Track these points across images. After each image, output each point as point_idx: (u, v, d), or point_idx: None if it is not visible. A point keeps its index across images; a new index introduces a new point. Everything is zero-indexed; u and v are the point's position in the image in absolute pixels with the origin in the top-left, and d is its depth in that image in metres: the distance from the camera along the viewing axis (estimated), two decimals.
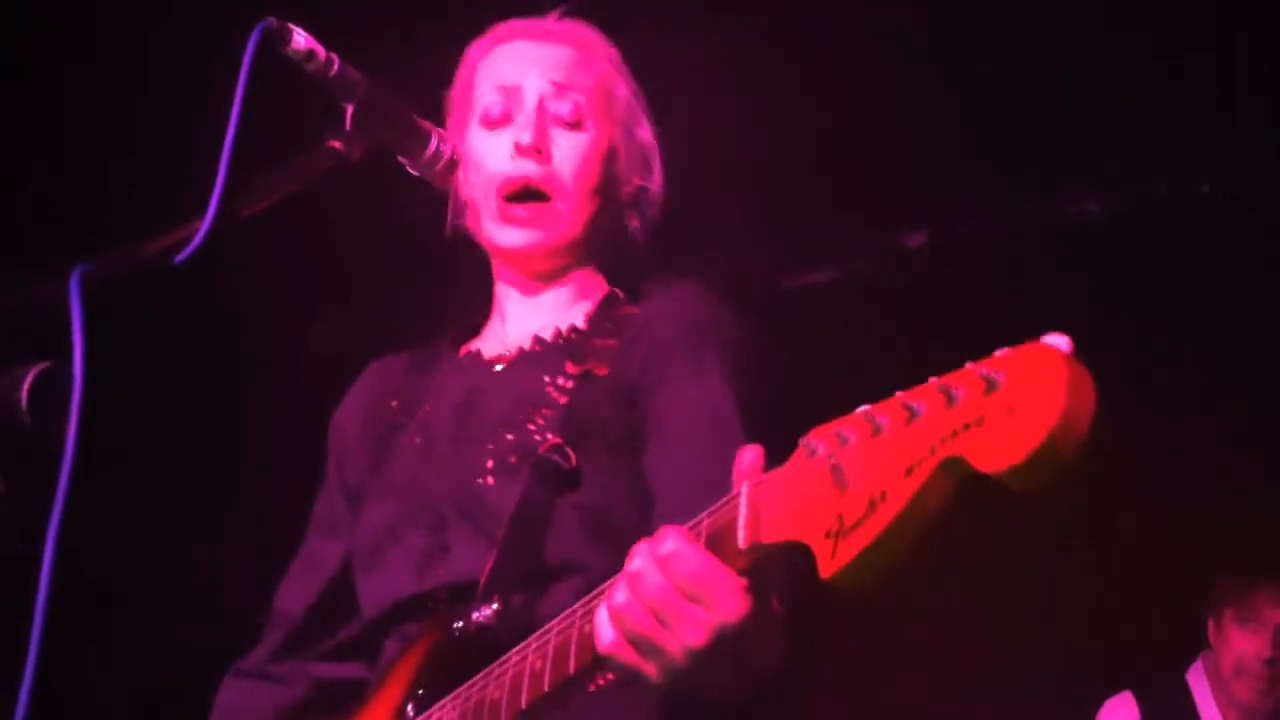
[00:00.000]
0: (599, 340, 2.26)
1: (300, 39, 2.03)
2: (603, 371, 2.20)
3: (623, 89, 2.42)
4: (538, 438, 2.15)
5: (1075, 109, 4.82)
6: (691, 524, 1.63)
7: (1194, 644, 5.01)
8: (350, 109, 2.08)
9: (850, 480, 1.40)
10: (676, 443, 2.12)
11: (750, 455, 1.61)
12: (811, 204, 5.22)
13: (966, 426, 1.30)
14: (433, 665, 2.01)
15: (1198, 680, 4.95)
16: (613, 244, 2.43)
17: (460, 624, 2.01)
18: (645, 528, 2.08)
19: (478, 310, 2.49)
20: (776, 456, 1.94)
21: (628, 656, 1.62)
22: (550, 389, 2.21)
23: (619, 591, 1.62)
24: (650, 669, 1.61)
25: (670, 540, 1.59)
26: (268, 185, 1.94)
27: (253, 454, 4.98)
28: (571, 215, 2.32)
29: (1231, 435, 5.23)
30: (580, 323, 2.33)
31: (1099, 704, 4.98)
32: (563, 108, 2.33)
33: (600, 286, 2.42)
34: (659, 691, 1.69)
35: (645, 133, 2.44)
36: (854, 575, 1.37)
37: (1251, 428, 5.19)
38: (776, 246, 5.54)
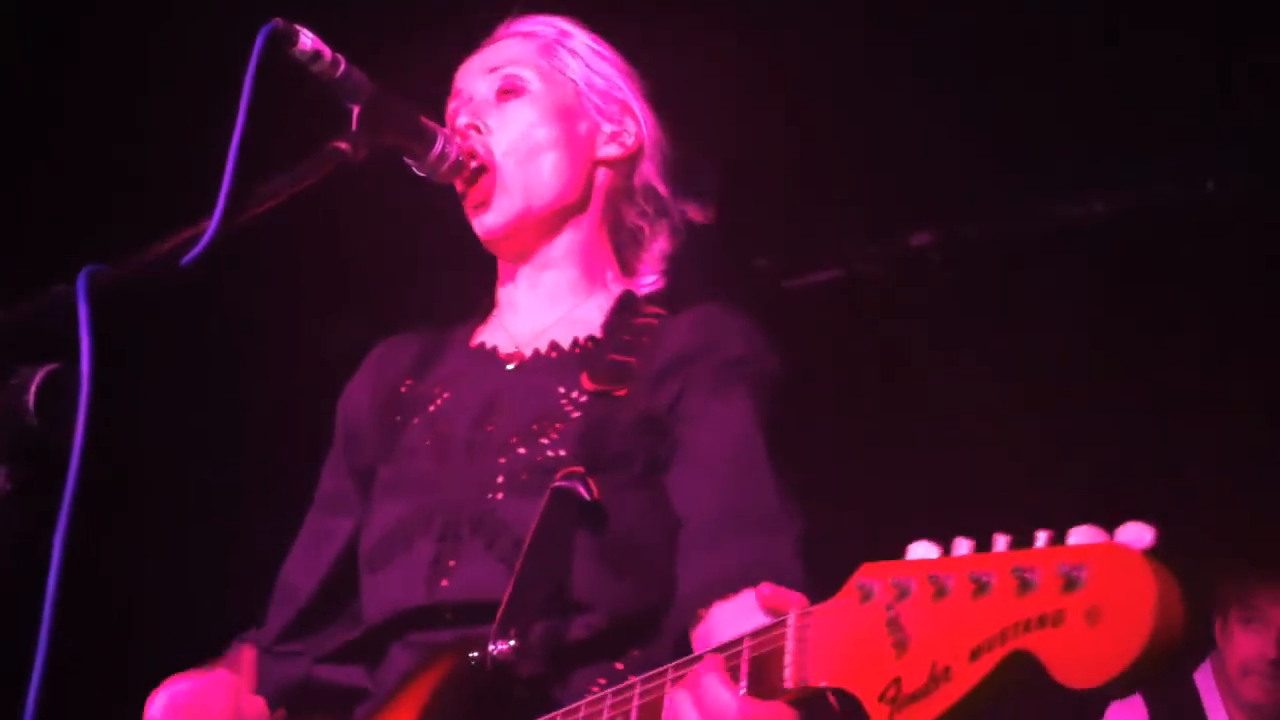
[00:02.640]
0: (616, 355, 2.25)
1: (307, 40, 2.03)
2: (621, 392, 2.19)
3: (571, 47, 2.45)
4: (550, 454, 2.15)
5: (1079, 108, 4.82)
6: (729, 653, 1.64)
7: (1201, 644, 5.00)
8: (356, 110, 2.09)
9: (911, 642, 1.37)
10: (703, 468, 2.13)
11: (769, 590, 1.63)
12: (815, 203, 5.22)
13: (1042, 621, 1.28)
14: (445, 699, 1.97)
15: (1205, 681, 4.93)
16: (615, 207, 2.44)
17: (476, 655, 1.97)
18: (665, 557, 2.11)
19: (486, 297, 2.49)
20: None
21: None
22: (565, 402, 2.21)
23: None
24: None
25: (715, 691, 1.61)
26: (274, 186, 1.94)
27: (261, 457, 4.97)
28: (534, 179, 2.34)
29: (1236, 433, 5.23)
30: (597, 330, 2.32)
31: (1105, 703, 4.96)
32: (495, 84, 2.39)
33: (615, 275, 2.43)
34: None
35: (611, 82, 2.45)
36: None
37: (1256, 426, 5.18)
38: (779, 246, 5.53)
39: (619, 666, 2.06)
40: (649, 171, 2.46)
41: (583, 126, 2.40)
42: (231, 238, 1.85)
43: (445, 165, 2.26)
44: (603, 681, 1.98)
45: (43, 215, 4.61)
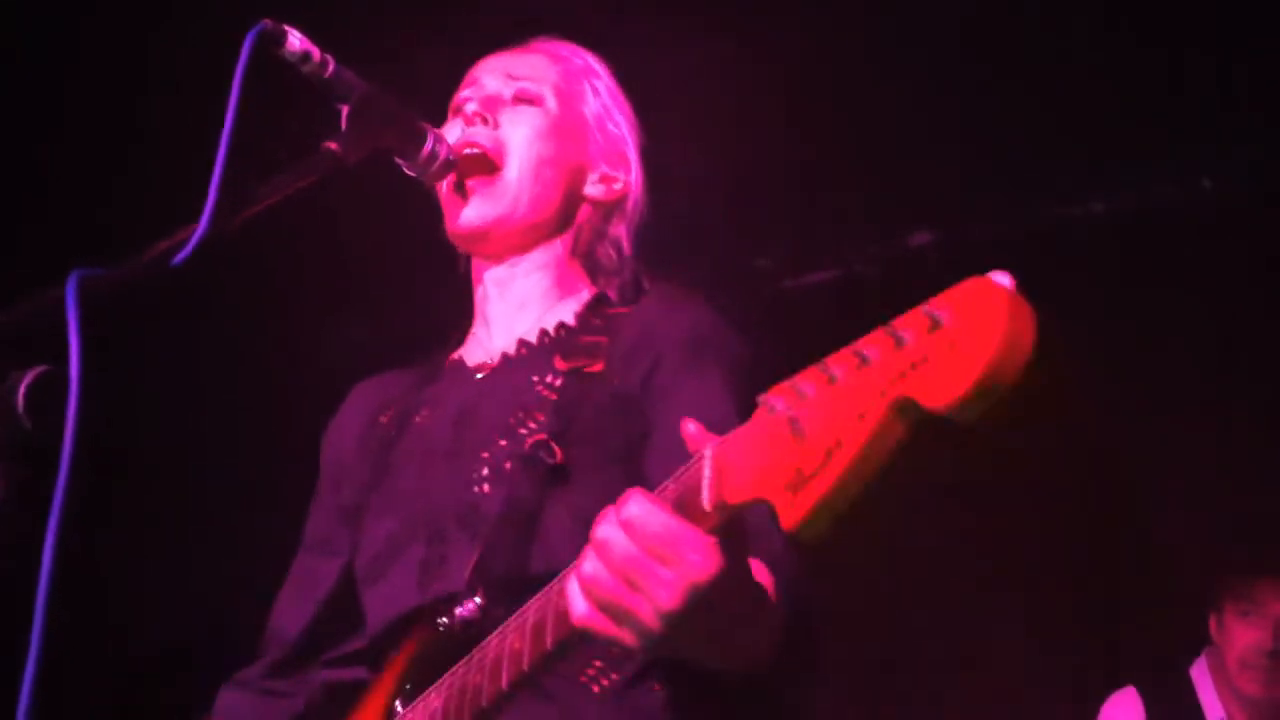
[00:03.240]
0: (588, 337, 2.26)
1: (296, 40, 2.02)
2: (594, 368, 2.19)
3: (594, 84, 2.46)
4: (530, 440, 2.14)
5: (1078, 109, 4.82)
6: (658, 489, 1.60)
7: (1196, 639, 5.00)
8: (346, 110, 2.09)
9: (807, 432, 1.39)
10: (678, 445, 2.12)
11: (695, 426, 1.59)
12: (815, 203, 5.22)
13: (914, 366, 1.31)
14: (419, 662, 2.00)
15: (1200, 675, 4.92)
16: (589, 242, 2.45)
17: (445, 620, 2.00)
18: None
19: (463, 322, 2.49)
20: None
21: (602, 626, 1.59)
22: (540, 388, 2.21)
23: (587, 560, 1.59)
24: (626, 636, 1.58)
25: (633, 503, 1.56)
26: (264, 187, 1.94)
27: (259, 457, 4.98)
28: (523, 187, 2.34)
29: (1234, 431, 5.22)
30: (569, 320, 2.33)
31: (1101, 699, 4.96)
32: (515, 89, 2.40)
33: (586, 286, 2.44)
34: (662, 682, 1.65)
35: (619, 131, 2.47)
36: (815, 525, 1.37)
37: (1253, 423, 5.18)
38: (779, 245, 5.54)
39: None
40: (620, 228, 2.47)
41: (580, 158, 2.42)
42: (222, 239, 1.85)
43: (435, 165, 2.25)
44: None
45: (38, 220, 4.62)
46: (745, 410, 2.10)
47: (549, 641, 1.69)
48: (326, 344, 4.99)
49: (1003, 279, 1.30)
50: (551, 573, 2.04)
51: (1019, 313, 1.26)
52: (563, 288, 2.41)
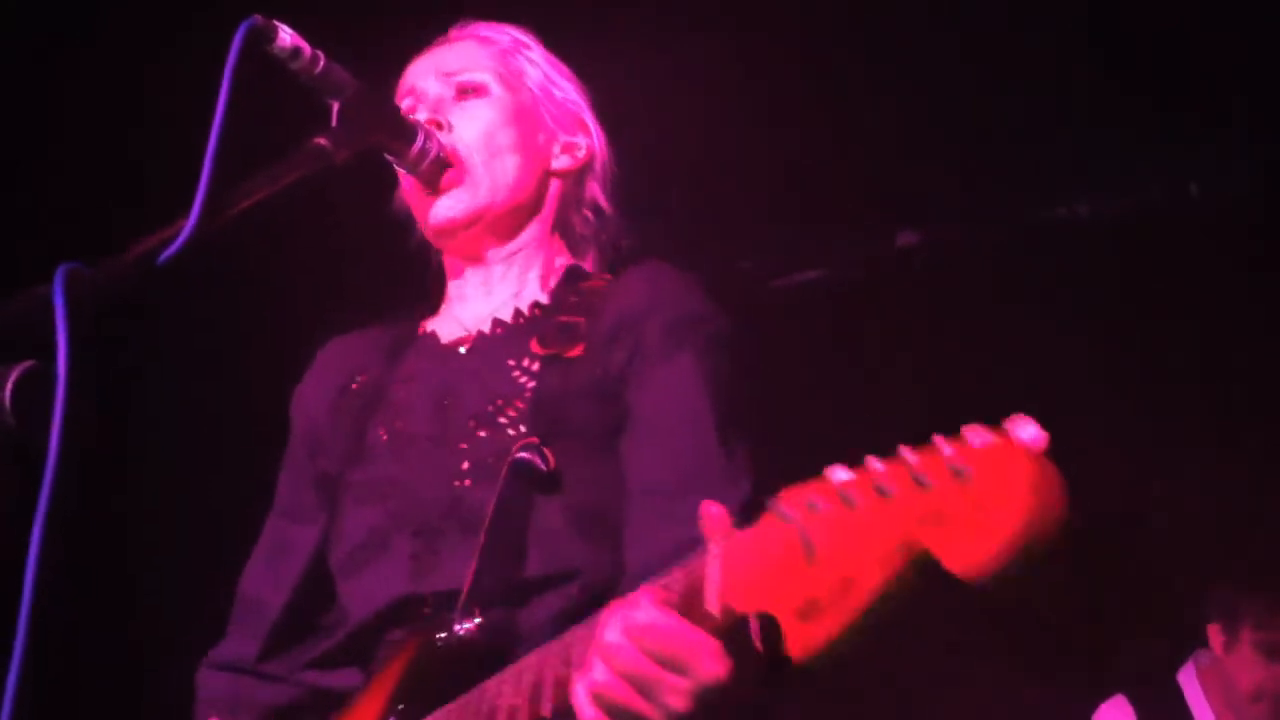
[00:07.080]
0: (564, 316, 2.25)
1: (286, 36, 2.02)
2: (572, 353, 2.18)
3: (529, 56, 2.45)
4: (511, 433, 2.14)
5: (1065, 110, 4.83)
6: (663, 582, 1.62)
7: (1183, 645, 4.98)
8: (336, 107, 2.08)
9: (820, 556, 1.42)
10: (649, 432, 2.12)
11: (716, 509, 1.60)
12: (802, 203, 5.22)
13: (936, 518, 1.32)
14: (413, 679, 1.98)
15: (1189, 681, 4.89)
16: (566, 215, 2.45)
17: (443, 636, 1.98)
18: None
19: (436, 293, 2.48)
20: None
21: None
22: (517, 373, 2.20)
23: (596, 669, 1.62)
24: None
25: (643, 610, 1.59)
26: (254, 184, 1.93)
27: (244, 456, 4.95)
28: (494, 177, 2.33)
29: (1224, 437, 5.23)
30: (543, 298, 2.33)
31: (1091, 705, 4.95)
32: (455, 84, 2.38)
33: (562, 256, 2.43)
34: None
35: (566, 95, 2.47)
36: (822, 658, 1.40)
37: (1245, 429, 5.19)
38: (766, 245, 5.53)
39: None
40: (594, 188, 2.47)
41: (540, 135, 2.42)
42: (211, 235, 1.84)
43: (426, 162, 2.25)
44: None
45: (29, 218, 4.60)
46: (720, 393, 2.12)
47: (547, 709, 1.70)
48: (318, 338, 4.97)
49: (1031, 438, 1.31)
50: (546, 578, 2.05)
51: (1047, 487, 1.28)
52: (540, 261, 2.40)
